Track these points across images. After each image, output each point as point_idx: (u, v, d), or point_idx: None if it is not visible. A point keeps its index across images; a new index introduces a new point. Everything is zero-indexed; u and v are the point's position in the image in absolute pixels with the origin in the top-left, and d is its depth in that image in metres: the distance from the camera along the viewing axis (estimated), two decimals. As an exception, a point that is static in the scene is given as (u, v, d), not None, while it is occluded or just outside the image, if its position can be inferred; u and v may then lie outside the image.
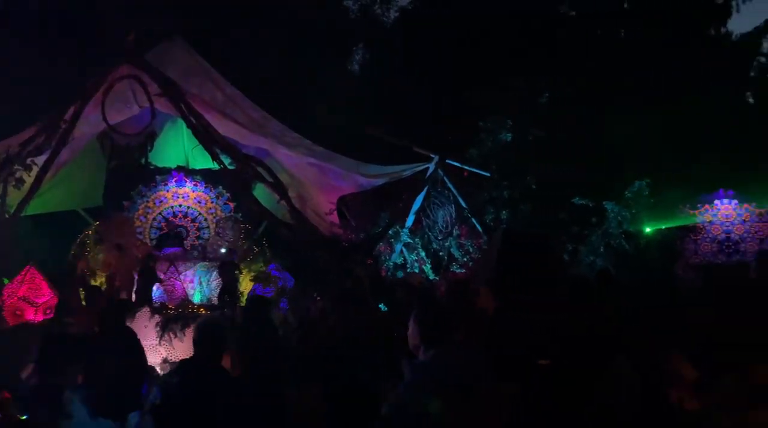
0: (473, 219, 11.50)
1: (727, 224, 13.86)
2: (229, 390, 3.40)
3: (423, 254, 11.03)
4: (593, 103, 15.43)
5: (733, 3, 20.61)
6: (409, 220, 11.22)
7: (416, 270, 10.85)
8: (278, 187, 10.11)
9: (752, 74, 21.66)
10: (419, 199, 11.21)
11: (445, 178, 11.28)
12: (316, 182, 11.58)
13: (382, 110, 14.78)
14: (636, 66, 17.82)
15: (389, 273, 10.58)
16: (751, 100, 21.13)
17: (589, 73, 17.06)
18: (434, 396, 2.49)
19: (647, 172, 13.46)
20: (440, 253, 11.20)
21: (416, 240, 11.08)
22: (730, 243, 13.74)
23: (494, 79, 13.89)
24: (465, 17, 17.98)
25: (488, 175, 11.82)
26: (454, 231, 11.19)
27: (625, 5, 20.86)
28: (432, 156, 11.20)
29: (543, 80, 14.32)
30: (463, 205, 11.41)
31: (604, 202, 12.55)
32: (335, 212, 11.41)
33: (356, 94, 15.23)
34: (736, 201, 13.81)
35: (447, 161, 11.27)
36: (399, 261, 11.01)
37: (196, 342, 3.39)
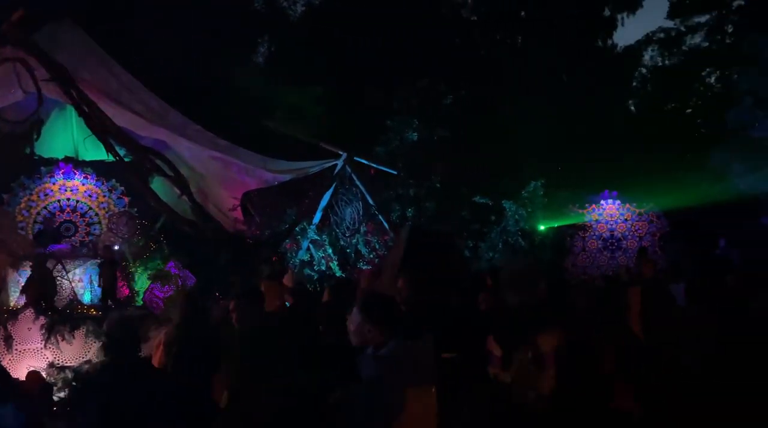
0: (380, 216, 11.63)
1: (612, 223, 14.98)
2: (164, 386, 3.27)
3: (330, 251, 11.00)
4: (493, 107, 16.10)
5: (619, 17, 22.28)
6: (317, 217, 11.15)
7: (323, 267, 10.80)
8: (179, 181, 9.66)
9: (634, 84, 23.49)
10: (327, 195, 11.18)
11: (353, 175, 11.32)
12: (219, 177, 11.19)
13: (289, 104, 14.55)
14: (532, 72, 18.76)
15: (295, 270, 10.47)
16: (633, 109, 22.89)
17: (488, 77, 17.75)
18: (405, 387, 2.53)
19: (542, 173, 14.21)
20: (347, 250, 11.23)
21: (323, 237, 11.04)
22: (614, 241, 14.87)
23: (400, 79, 14.12)
24: (372, 16, 18.11)
25: (395, 172, 12.00)
26: (361, 227, 11.26)
27: (522, 14, 21.86)
28: (340, 153, 11.20)
29: (447, 82, 14.73)
30: (371, 201, 11.51)
31: (502, 201, 13.11)
32: (239, 208, 11.11)
33: (262, 87, 14.87)
34: (619, 201, 14.95)
35: (355, 158, 11.31)
36: (306, 258, 10.91)
37: (113, 344, 3.19)
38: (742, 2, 22.37)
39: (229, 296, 7.84)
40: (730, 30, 22.79)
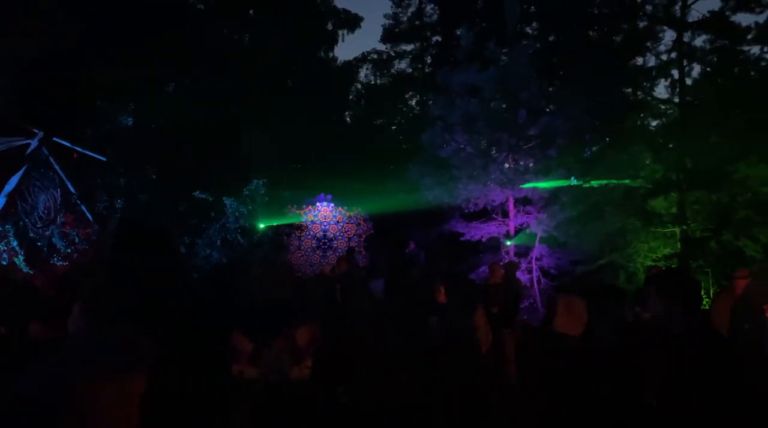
0: (82, 206, 10.40)
1: (325, 224, 16.04)
2: None
3: (15, 243, 9.42)
4: (219, 102, 15.77)
5: (340, 33, 23.99)
6: (-1, 203, 9.45)
7: (5, 262, 9.19)
8: None
9: (351, 97, 25.54)
10: (14, 179, 9.55)
11: (51, 158, 9.90)
12: None
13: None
14: (258, 73, 18.95)
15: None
16: (348, 120, 24.86)
17: (215, 70, 17.33)
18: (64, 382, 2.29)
19: (264, 172, 14.43)
20: (38, 243, 9.75)
21: (7, 226, 9.39)
22: (326, 241, 15.94)
23: (118, 60, 12.78)
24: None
25: (104, 159, 10.85)
26: (57, 218, 9.90)
27: (251, 12, 21.90)
28: (36, 131, 9.69)
29: (171, 70, 13.91)
30: (72, 189, 10.22)
31: (223, 198, 12.92)
32: None
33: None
34: (332, 204, 16.08)
35: (54, 139, 9.91)
36: (-19, 251, 9.15)
37: None
38: (439, 38, 26.25)
39: None
40: (428, 61, 26.53)
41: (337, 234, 16.02)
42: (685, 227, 13.62)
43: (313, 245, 15.82)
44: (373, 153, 20.25)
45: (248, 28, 21.63)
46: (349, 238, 15.95)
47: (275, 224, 15.26)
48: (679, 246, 13.68)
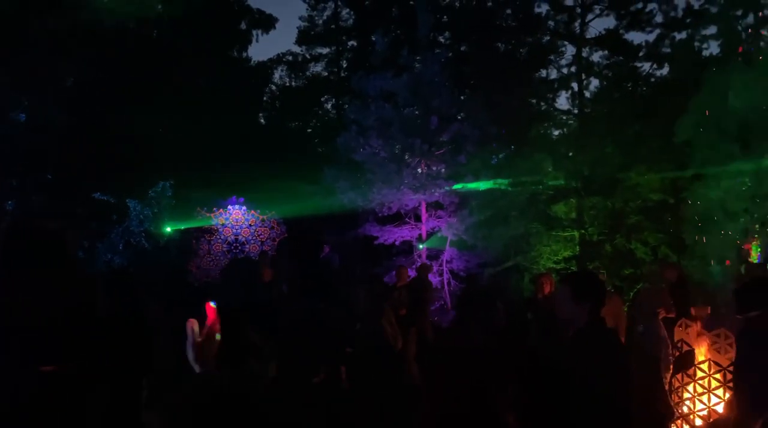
0: (-34, 209, 9.59)
1: (237, 227, 15.65)
2: None
3: None
4: (123, 99, 15.01)
5: (254, 32, 23.53)
6: None
7: None
8: None
9: (265, 99, 25.15)
10: None
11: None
12: None
13: None
14: (167, 69, 18.22)
15: None
16: (262, 121, 24.46)
17: (120, 67, 16.49)
18: None
19: (171, 173, 13.90)
20: None
21: None
22: (238, 245, 15.56)
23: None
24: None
25: (-9, 157, 10.06)
26: (-64, 221, 9.07)
27: (159, 7, 21.00)
28: None
29: (71, 63, 13.07)
30: (-47, 190, 9.40)
31: (126, 199, 12.33)
32: None
33: None
34: (245, 207, 15.73)
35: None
36: None
37: None
38: (355, 43, 26.39)
39: None
40: (344, 65, 26.59)
41: (250, 238, 15.68)
42: (583, 231, 14.51)
43: (224, 249, 15.39)
44: (288, 155, 19.99)
45: (156, 23, 20.75)
46: (262, 242, 15.66)
47: (183, 227, 14.72)
48: (578, 249, 14.55)
